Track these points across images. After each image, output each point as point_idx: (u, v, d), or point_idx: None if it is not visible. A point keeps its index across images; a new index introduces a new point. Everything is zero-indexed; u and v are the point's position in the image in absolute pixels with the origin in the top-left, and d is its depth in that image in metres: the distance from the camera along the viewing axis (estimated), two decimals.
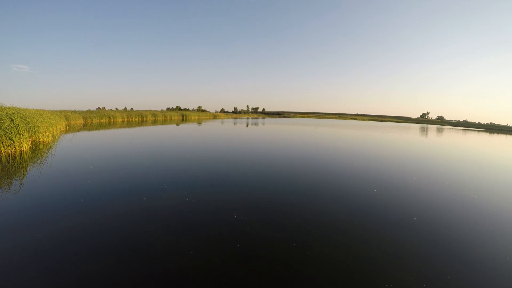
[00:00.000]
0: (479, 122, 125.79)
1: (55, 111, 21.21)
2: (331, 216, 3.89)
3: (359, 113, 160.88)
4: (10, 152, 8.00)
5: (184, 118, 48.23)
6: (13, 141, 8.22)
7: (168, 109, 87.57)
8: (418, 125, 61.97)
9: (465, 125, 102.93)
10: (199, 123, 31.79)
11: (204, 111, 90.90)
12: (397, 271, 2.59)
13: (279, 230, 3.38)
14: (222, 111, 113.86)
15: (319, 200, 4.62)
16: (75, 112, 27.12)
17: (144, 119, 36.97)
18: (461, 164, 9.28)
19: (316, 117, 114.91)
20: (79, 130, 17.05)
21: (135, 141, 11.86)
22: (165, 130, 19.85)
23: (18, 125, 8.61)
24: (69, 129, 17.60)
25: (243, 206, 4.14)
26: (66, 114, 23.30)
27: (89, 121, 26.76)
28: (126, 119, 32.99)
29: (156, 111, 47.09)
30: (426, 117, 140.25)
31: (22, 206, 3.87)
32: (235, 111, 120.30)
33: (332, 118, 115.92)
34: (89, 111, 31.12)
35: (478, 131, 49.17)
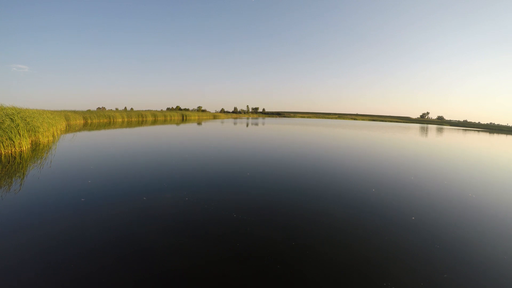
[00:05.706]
0: (479, 122, 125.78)
1: (55, 111, 21.21)
2: (331, 216, 3.90)
3: (359, 113, 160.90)
4: (10, 152, 8.00)
5: (184, 118, 48.23)
6: (13, 141, 8.22)
7: (168, 109, 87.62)
8: (418, 125, 61.98)
9: (465, 125, 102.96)
10: (199, 123, 31.79)
11: (204, 111, 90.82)
12: (396, 270, 2.59)
13: (279, 230, 3.39)
14: (222, 111, 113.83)
15: (319, 200, 4.63)
16: (75, 112, 27.13)
17: (144, 119, 36.97)
18: (460, 164, 9.29)
19: (316, 117, 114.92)
20: (79, 130, 17.05)
21: (135, 141, 11.86)
22: (165, 130, 19.85)
23: (18, 125, 8.62)
24: (69, 129, 17.61)
25: (243, 206, 4.15)
26: (66, 114, 23.30)
27: (89, 121, 26.77)
28: (126, 119, 32.99)
29: (156, 111, 47.12)
30: (426, 117, 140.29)
31: (22, 206, 3.88)
32: (235, 111, 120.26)
33: (332, 118, 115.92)
34: (89, 111, 31.15)
35: (478, 131, 49.18)
